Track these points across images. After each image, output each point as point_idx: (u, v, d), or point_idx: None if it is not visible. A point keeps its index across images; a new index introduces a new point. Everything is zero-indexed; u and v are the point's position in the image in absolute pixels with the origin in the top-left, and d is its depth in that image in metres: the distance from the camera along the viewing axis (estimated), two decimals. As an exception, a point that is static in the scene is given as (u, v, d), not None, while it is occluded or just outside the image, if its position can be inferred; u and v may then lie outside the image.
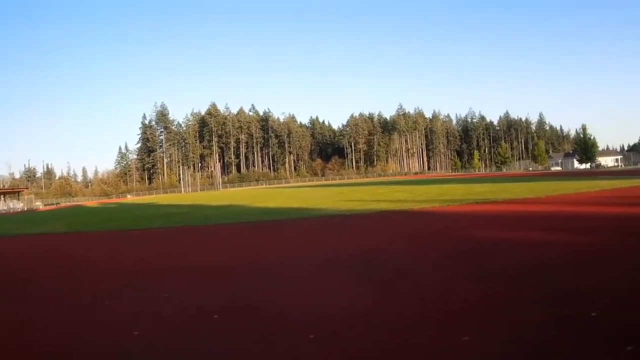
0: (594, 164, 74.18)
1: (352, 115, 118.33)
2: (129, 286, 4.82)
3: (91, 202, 72.55)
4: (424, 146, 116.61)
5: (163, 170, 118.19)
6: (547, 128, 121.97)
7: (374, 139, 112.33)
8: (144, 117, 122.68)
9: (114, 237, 10.85)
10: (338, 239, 7.26)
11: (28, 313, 4.03)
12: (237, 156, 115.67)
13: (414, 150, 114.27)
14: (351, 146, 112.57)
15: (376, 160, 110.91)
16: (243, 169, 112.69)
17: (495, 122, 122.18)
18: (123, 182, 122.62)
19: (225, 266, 5.58)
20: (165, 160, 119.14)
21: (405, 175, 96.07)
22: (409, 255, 5.46)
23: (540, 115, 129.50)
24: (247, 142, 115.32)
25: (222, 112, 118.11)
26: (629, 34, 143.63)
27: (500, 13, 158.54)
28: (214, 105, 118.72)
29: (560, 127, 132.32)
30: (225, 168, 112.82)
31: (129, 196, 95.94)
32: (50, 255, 8.55)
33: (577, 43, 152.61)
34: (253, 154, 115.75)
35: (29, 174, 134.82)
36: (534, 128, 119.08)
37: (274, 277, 4.65)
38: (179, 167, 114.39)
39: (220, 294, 4.14)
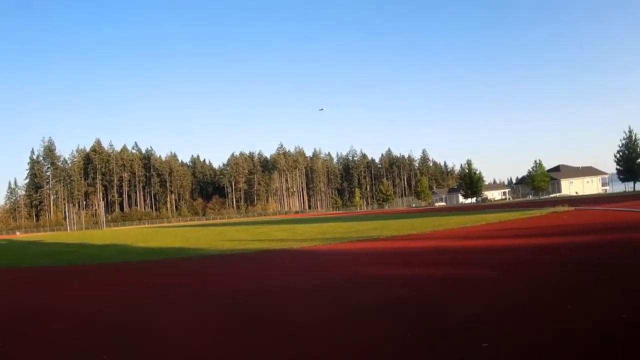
0: (480, 198, 77.47)
1: (232, 155, 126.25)
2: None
3: None
4: (304, 185, 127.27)
5: (50, 208, 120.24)
6: (431, 164, 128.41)
7: (254, 178, 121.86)
8: (32, 152, 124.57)
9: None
10: (213, 278, 7.36)
11: None
12: (120, 194, 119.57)
13: (295, 189, 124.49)
14: (231, 185, 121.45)
15: (256, 199, 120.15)
16: (126, 208, 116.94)
17: (377, 160, 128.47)
18: (12, 218, 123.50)
19: (94, 306, 5.55)
20: (52, 197, 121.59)
21: (285, 214, 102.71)
22: (283, 292, 5.48)
23: (424, 152, 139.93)
24: (129, 181, 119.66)
25: (106, 149, 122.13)
26: (510, 70, 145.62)
27: (378, 47, 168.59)
28: (98, 142, 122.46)
29: (445, 163, 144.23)
30: (109, 206, 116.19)
31: (17, 233, 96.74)
32: None
33: (460, 79, 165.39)
34: (135, 192, 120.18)
35: None
36: (417, 165, 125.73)
37: (142, 314, 4.79)
38: (64, 204, 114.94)
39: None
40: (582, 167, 74.08)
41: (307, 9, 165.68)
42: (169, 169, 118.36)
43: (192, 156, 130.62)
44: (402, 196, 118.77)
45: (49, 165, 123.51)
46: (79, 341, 3.97)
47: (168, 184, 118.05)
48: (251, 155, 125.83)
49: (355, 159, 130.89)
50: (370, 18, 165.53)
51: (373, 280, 6.12)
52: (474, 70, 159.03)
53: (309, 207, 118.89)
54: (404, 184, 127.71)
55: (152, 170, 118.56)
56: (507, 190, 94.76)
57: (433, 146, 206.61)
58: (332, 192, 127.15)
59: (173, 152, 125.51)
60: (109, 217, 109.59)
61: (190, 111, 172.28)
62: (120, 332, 4.08)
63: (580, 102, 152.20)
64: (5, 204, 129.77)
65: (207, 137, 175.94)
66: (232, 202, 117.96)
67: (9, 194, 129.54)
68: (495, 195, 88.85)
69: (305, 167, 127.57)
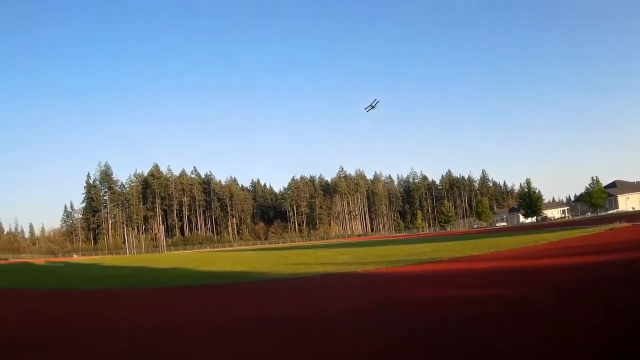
0: (539, 217, 77.65)
1: (293, 178, 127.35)
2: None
3: (38, 260, 73.64)
4: (366, 208, 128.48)
5: (108, 231, 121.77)
6: (491, 184, 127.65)
7: (315, 202, 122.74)
8: (89, 176, 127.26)
9: (58, 296, 11.16)
10: (269, 301, 7.55)
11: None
12: (180, 219, 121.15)
13: (357, 213, 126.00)
14: (293, 209, 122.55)
15: (318, 223, 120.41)
16: (186, 232, 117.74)
17: (438, 181, 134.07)
18: (69, 241, 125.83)
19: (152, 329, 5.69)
20: (110, 221, 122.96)
21: (348, 237, 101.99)
22: (337, 316, 5.53)
23: (483, 172, 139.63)
24: (189, 205, 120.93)
25: (164, 174, 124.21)
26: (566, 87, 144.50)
27: (435, 67, 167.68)
28: (156, 167, 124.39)
29: (504, 182, 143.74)
30: (169, 230, 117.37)
31: (75, 255, 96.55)
32: None
33: (514, 98, 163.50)
34: (196, 216, 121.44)
35: None
36: (477, 185, 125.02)
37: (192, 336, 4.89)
38: (123, 228, 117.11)
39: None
40: (638, 182, 74.11)
41: (368, 38, 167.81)
42: (229, 193, 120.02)
43: (252, 180, 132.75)
44: (463, 217, 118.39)
45: (106, 190, 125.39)
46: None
47: (229, 208, 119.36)
48: (312, 179, 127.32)
49: (416, 181, 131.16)
50: (425, 46, 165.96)
51: (435, 302, 6.14)
52: (529, 87, 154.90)
53: (371, 230, 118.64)
54: (465, 204, 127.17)
55: (212, 194, 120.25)
56: (565, 209, 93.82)
57: (492, 166, 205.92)
58: (393, 215, 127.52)
59: (233, 177, 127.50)
60: (170, 241, 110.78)
61: (250, 136, 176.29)
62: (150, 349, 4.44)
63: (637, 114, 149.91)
64: (62, 227, 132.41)
65: (266, 162, 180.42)
66: (294, 225, 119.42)
67: (65, 217, 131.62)
68: (554, 213, 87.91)
69: (366, 190, 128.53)
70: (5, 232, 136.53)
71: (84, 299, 10.19)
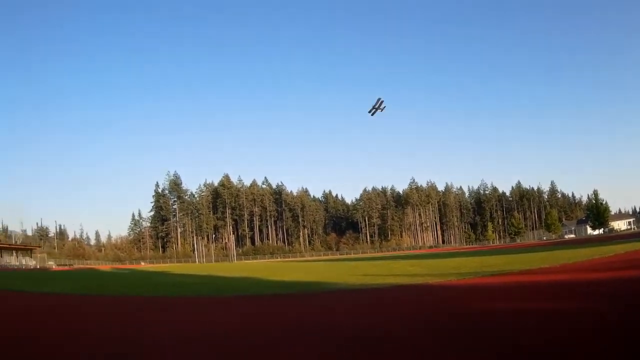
0: (606, 229, 77.42)
1: (365, 190, 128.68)
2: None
3: (104, 266, 75.49)
4: (437, 219, 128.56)
5: (177, 240, 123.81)
6: (559, 196, 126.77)
7: (387, 213, 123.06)
8: (157, 185, 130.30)
9: (126, 303, 11.44)
10: (343, 312, 7.58)
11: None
12: (251, 229, 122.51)
13: (428, 224, 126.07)
14: (365, 220, 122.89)
15: (390, 234, 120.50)
16: (257, 242, 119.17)
17: (508, 193, 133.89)
18: (137, 248, 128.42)
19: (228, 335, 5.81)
20: (179, 230, 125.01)
21: (419, 249, 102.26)
22: (403, 328, 5.54)
23: (552, 183, 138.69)
24: (260, 215, 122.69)
25: (235, 184, 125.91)
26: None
27: (505, 83, 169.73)
28: (226, 177, 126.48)
29: (572, 194, 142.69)
30: (239, 240, 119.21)
31: (142, 263, 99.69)
32: (56, 315, 9.08)
33: (584, 109, 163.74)
34: (267, 226, 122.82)
35: (41, 233, 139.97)
36: (546, 197, 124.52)
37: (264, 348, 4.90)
38: (192, 237, 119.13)
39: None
40: None
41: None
42: (301, 203, 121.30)
43: (324, 191, 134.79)
44: (532, 229, 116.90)
45: (175, 199, 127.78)
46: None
47: (300, 219, 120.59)
48: (384, 190, 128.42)
49: (487, 192, 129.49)
50: (486, 53, 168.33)
51: (506, 314, 6.19)
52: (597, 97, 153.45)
53: (442, 242, 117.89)
54: (535, 216, 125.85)
55: (283, 205, 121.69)
56: (631, 220, 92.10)
57: (560, 177, 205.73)
58: (464, 227, 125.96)
59: (304, 188, 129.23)
60: (240, 250, 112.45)
61: (320, 148, 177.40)
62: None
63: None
64: (129, 235, 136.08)
65: (337, 173, 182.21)
66: (366, 236, 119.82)
67: (132, 225, 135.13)
68: (620, 225, 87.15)
69: (437, 202, 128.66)
70: (70, 239, 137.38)
71: (154, 305, 10.32)
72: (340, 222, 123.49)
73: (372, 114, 41.87)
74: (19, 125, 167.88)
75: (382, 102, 40.50)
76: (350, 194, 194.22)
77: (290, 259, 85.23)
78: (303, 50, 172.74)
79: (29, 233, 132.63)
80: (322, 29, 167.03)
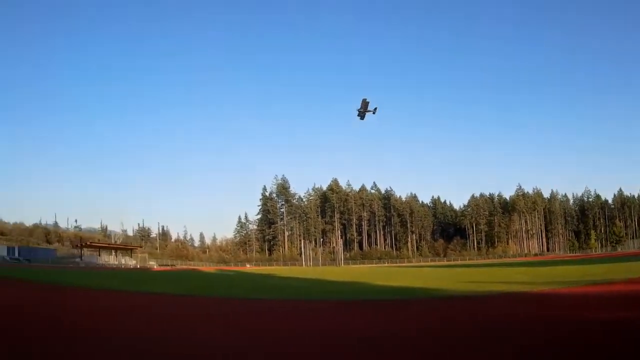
0: None
1: (472, 196, 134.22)
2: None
3: (208, 268, 78.79)
4: (542, 227, 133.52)
5: (284, 243, 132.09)
6: None
7: (494, 219, 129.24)
8: (265, 189, 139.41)
9: (226, 304, 11.74)
10: (446, 318, 7.81)
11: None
12: (359, 233, 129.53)
13: (534, 231, 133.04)
14: (472, 227, 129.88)
15: (497, 241, 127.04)
16: (365, 247, 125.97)
17: (610, 200, 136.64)
18: (242, 251, 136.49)
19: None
20: (287, 233, 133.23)
21: (525, 256, 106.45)
22: (514, 337, 5.67)
23: None
24: (369, 220, 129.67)
25: (343, 188, 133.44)
26: None
27: (605, 92, 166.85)
28: (335, 182, 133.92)
29: None
30: (347, 244, 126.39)
31: (248, 265, 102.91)
32: (146, 316, 9.31)
33: None
34: (375, 231, 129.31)
35: (143, 234, 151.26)
36: None
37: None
38: (300, 240, 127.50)
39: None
40: None
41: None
42: (410, 209, 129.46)
43: (432, 197, 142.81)
44: (633, 237, 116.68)
45: (283, 202, 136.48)
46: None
47: (409, 224, 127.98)
48: (491, 197, 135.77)
49: (590, 199, 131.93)
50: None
51: (611, 326, 6.18)
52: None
53: (547, 250, 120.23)
54: (635, 224, 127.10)
55: (392, 210, 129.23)
56: None
57: None
58: (568, 234, 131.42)
59: (413, 193, 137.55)
60: (347, 255, 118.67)
61: (428, 153, 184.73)
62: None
63: None
64: (235, 237, 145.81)
65: (445, 178, 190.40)
66: (473, 243, 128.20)
67: (239, 228, 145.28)
68: None
69: (543, 209, 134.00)
70: (173, 240, 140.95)
71: (255, 307, 10.84)
72: (448, 228, 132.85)
73: (362, 118, 39.85)
74: (125, 129, 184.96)
75: (368, 103, 38.55)
76: (458, 200, 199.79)
77: (398, 265, 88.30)
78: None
79: (130, 233, 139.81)
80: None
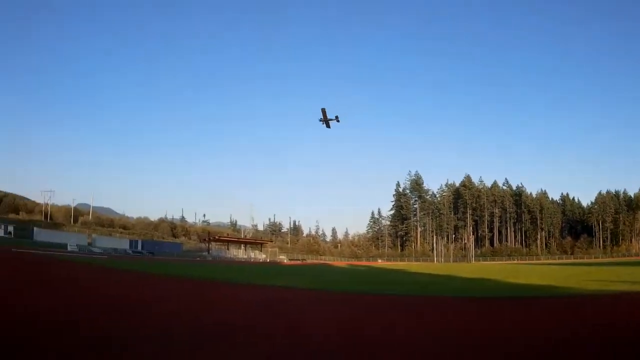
0: None
1: (599, 193, 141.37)
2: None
3: (340, 263, 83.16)
4: None
5: (416, 239, 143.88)
6: None
7: (619, 217, 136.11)
8: (398, 185, 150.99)
9: (354, 300, 11.97)
10: (564, 319, 7.88)
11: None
12: (491, 230, 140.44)
13: None
14: (599, 224, 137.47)
15: (621, 239, 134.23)
16: (496, 243, 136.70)
17: None
18: (374, 246, 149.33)
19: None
20: (419, 229, 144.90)
21: None
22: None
23: None
24: (500, 217, 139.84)
25: (476, 184, 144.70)
26: None
27: None
28: (468, 178, 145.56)
29: None
30: (478, 241, 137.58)
31: (379, 260, 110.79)
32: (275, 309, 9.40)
33: None
34: (506, 228, 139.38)
35: (274, 228, 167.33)
36: None
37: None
38: (432, 236, 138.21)
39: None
40: None
41: None
42: (540, 206, 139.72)
43: (562, 194, 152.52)
44: None
45: (416, 198, 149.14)
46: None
47: (538, 221, 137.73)
48: (617, 194, 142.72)
49: None
50: None
51: None
52: None
53: None
54: None
55: (522, 207, 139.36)
56: None
57: None
58: None
59: (543, 189, 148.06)
60: (478, 251, 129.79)
61: (559, 148, 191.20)
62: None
63: None
64: (368, 232, 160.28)
65: (574, 175, 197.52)
66: (599, 241, 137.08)
67: (371, 223, 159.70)
68: None
69: None
70: (304, 235, 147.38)
71: (388, 303, 11.25)
72: (576, 225, 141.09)
73: (328, 126, 42.94)
74: (258, 128, 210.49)
75: (325, 111, 42.16)
76: (586, 197, 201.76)
77: (527, 262, 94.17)
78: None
79: (260, 228, 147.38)
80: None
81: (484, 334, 6.17)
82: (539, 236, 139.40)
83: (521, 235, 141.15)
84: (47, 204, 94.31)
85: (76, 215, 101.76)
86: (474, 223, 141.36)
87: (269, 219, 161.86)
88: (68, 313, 7.08)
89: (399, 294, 13.55)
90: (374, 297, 12.56)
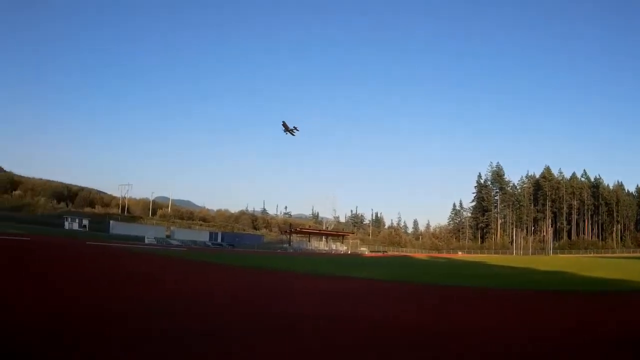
0: None
1: None
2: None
3: (420, 255, 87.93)
4: None
5: (496, 231, 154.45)
6: None
7: None
8: (480, 176, 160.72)
9: (436, 292, 12.70)
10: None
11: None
12: (569, 222, 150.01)
13: None
14: None
15: None
16: (573, 236, 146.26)
17: None
18: (455, 238, 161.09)
19: None
20: (499, 221, 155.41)
21: None
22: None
23: None
24: (578, 209, 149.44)
25: (555, 176, 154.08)
26: None
27: None
28: (547, 169, 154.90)
29: None
30: (556, 233, 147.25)
31: (459, 253, 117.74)
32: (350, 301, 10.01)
33: None
34: (584, 220, 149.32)
35: (356, 220, 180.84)
36: None
37: None
38: (512, 228, 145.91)
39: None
40: None
41: None
42: (616, 198, 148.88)
43: (637, 185, 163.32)
44: None
45: (497, 190, 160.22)
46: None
47: (615, 214, 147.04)
48: None
49: None
50: None
51: None
52: None
53: None
54: None
55: (600, 199, 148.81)
56: None
57: None
58: None
59: (620, 181, 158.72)
60: (556, 244, 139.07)
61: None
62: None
63: None
64: (449, 224, 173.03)
65: None
66: None
67: (453, 215, 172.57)
68: None
69: None
70: (386, 226, 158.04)
71: (469, 295, 11.85)
72: None
73: (293, 134, 48.78)
74: (339, 121, 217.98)
75: (285, 123, 47.75)
76: None
77: (602, 255, 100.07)
78: None
79: (342, 220, 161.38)
80: None
81: (545, 326, 6.77)
82: (614, 229, 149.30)
83: (598, 228, 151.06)
84: (125, 197, 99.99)
85: (155, 208, 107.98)
86: (552, 215, 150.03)
87: (351, 211, 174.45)
88: (151, 305, 7.55)
89: (479, 285, 14.48)
90: (456, 288, 13.47)
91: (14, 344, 4.37)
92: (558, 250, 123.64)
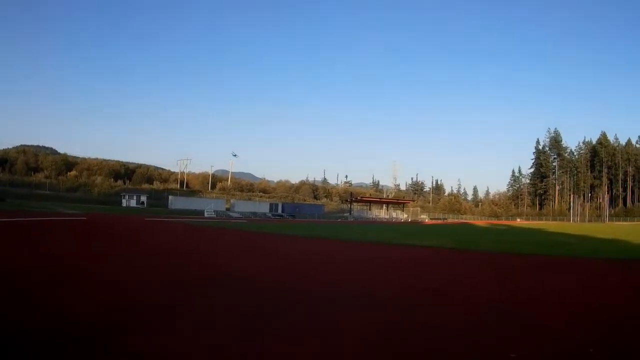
0: None
1: None
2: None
3: (480, 222, 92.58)
4: None
5: (554, 197, 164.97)
6: None
7: None
8: (538, 142, 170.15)
9: (499, 260, 13.18)
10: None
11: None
12: (624, 189, 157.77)
13: None
14: None
15: None
16: (629, 203, 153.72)
17: None
18: (514, 205, 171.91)
19: None
20: (557, 188, 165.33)
21: None
22: None
23: None
24: (634, 176, 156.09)
25: (612, 142, 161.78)
26: None
27: None
28: (604, 135, 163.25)
29: None
30: (612, 200, 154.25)
31: (518, 220, 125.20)
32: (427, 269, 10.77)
33: None
34: (639, 188, 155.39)
35: (416, 188, 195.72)
36: None
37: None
38: (569, 195, 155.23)
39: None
40: None
41: None
42: None
43: None
44: None
45: (555, 156, 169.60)
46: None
47: None
48: None
49: None
50: None
51: None
52: None
53: None
54: None
55: None
56: None
57: None
58: None
59: None
60: (612, 211, 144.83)
61: None
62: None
63: None
64: (508, 191, 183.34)
65: None
66: None
67: (512, 182, 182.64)
68: None
69: None
70: (446, 194, 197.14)
71: (533, 263, 12.42)
72: None
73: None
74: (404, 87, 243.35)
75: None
76: None
77: None
78: None
79: (403, 188, 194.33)
80: None
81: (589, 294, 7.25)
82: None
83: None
84: (184, 172, 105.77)
85: (214, 182, 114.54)
86: (609, 182, 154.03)
87: (412, 179, 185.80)
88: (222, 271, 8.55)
89: (541, 254, 15.07)
90: (519, 257, 14.06)
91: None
92: (614, 218, 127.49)
